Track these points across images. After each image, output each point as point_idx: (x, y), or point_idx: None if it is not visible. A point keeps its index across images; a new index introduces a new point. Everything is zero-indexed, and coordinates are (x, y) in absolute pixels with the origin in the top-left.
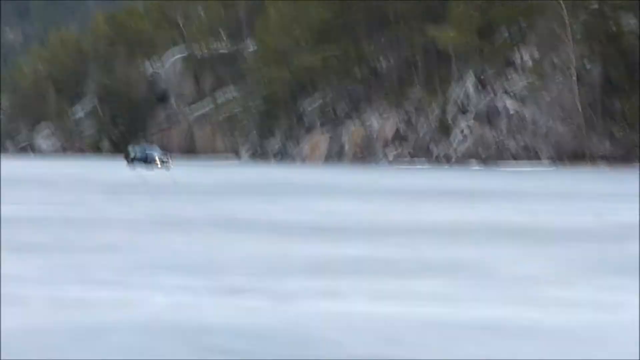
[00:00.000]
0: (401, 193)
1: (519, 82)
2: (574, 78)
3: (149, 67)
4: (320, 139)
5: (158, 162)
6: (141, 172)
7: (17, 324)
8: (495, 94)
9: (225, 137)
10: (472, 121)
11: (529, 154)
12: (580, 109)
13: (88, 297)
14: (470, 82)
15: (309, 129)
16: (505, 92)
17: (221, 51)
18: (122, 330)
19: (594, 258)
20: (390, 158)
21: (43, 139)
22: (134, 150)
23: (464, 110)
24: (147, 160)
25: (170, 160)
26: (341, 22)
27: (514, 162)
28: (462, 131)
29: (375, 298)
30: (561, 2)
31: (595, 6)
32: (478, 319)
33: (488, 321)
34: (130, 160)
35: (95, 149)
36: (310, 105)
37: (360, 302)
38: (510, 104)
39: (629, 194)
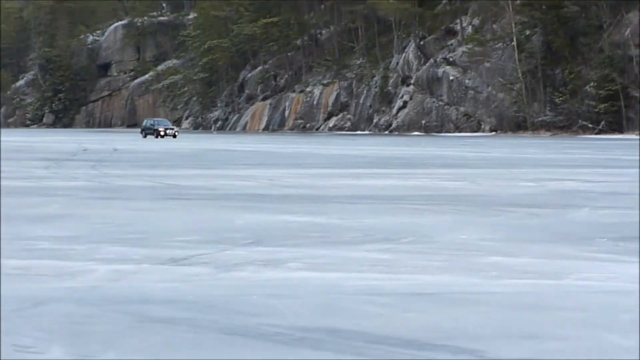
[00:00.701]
0: (341, 161)
1: (459, 49)
2: (514, 45)
3: (89, 37)
4: (261, 108)
5: (162, 132)
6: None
7: None
8: (435, 62)
9: (166, 105)
10: (412, 89)
11: (470, 122)
12: (520, 77)
13: (29, 266)
14: (411, 50)
15: (250, 98)
16: (446, 59)
17: (161, 20)
18: (62, 300)
19: (535, 225)
20: (332, 125)
21: None
22: (145, 123)
23: (404, 79)
24: (154, 131)
25: (175, 131)
26: None
27: (455, 129)
28: (402, 99)
29: (316, 266)
30: None
31: None
32: (419, 287)
33: (429, 288)
34: (142, 131)
35: (38, 119)
36: (252, 74)
37: (300, 271)
38: (450, 72)
39: (570, 161)
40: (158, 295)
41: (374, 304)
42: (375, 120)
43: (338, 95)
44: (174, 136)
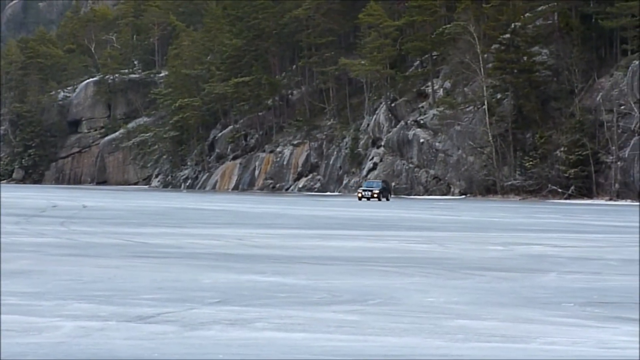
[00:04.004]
0: (310, 221)
1: (430, 112)
2: (485, 109)
3: (60, 93)
4: (231, 167)
5: (360, 195)
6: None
7: None
8: (406, 124)
9: (137, 163)
10: (383, 151)
11: (440, 184)
12: (491, 140)
13: None
14: (381, 112)
15: (220, 157)
16: (417, 122)
17: (133, 77)
18: (28, 355)
19: (502, 289)
20: (301, 186)
21: None
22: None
23: (375, 140)
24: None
25: (374, 193)
26: (253, 50)
27: (424, 192)
28: (373, 161)
29: (282, 327)
30: (473, 33)
31: (507, 35)
32: (385, 349)
33: (395, 350)
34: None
35: (7, 175)
36: (222, 133)
37: (267, 331)
38: (421, 134)
39: (538, 225)
40: (124, 352)
41: None
42: (345, 182)
43: (308, 156)
44: (377, 198)
